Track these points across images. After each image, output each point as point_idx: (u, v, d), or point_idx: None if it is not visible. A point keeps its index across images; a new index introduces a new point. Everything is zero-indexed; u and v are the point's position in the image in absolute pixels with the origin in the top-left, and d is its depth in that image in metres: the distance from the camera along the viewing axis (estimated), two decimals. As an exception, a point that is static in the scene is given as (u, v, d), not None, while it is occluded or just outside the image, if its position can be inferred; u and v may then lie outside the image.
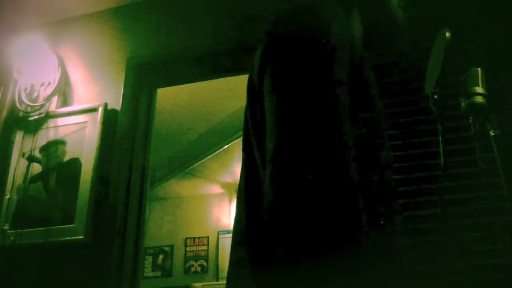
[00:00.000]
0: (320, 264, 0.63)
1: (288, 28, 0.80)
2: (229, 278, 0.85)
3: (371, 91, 0.82)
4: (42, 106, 2.40)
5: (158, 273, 5.81)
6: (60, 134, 2.31)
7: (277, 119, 0.72)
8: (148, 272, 5.80)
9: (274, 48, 0.80)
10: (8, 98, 2.49)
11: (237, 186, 0.93)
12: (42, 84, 2.45)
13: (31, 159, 2.28)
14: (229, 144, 4.40)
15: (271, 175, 0.69)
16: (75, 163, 2.21)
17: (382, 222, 0.77)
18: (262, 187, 0.74)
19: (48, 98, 2.40)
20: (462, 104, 1.40)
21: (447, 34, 1.33)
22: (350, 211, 0.66)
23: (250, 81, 0.90)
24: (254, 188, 0.79)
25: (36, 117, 2.37)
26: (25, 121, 2.39)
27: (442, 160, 1.37)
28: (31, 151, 2.30)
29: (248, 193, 0.85)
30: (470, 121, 1.40)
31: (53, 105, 2.40)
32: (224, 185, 5.93)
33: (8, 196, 2.23)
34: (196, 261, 5.78)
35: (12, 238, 2.12)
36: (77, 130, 2.29)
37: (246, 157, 0.90)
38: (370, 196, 0.75)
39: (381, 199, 0.79)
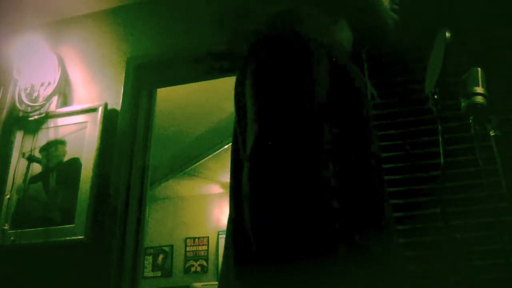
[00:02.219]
0: (297, 266, 0.63)
1: (268, 33, 0.82)
2: (220, 278, 0.86)
3: (358, 91, 0.83)
4: (42, 106, 2.40)
5: (158, 273, 5.81)
6: (60, 134, 2.31)
7: (256, 118, 0.73)
8: (148, 272, 5.80)
9: (255, 51, 0.82)
10: (8, 98, 2.49)
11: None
12: (42, 84, 2.45)
13: (31, 159, 2.28)
14: (229, 144, 4.38)
15: (248, 173, 0.69)
16: (75, 163, 2.21)
17: (369, 224, 0.76)
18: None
19: (48, 98, 2.40)
20: (462, 104, 1.40)
21: (447, 34, 1.33)
22: (323, 214, 0.66)
23: (236, 85, 0.92)
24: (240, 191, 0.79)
25: (36, 117, 2.37)
26: (25, 121, 2.38)
27: (442, 160, 1.37)
28: (31, 151, 2.30)
29: (235, 196, 0.86)
30: (470, 121, 1.40)
31: (53, 105, 2.40)
32: (224, 185, 5.93)
33: (8, 196, 2.23)
34: (196, 261, 5.78)
35: (12, 238, 2.12)
36: (77, 130, 2.29)
37: (234, 160, 0.91)
38: (353, 198, 0.75)
39: (366, 201, 0.78)
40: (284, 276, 0.63)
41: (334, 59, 0.79)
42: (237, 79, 0.91)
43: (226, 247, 0.84)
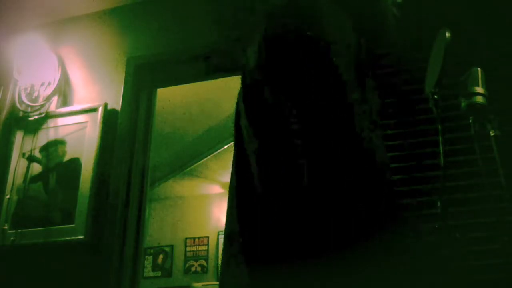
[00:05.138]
0: (322, 261, 0.64)
1: (284, 28, 0.80)
2: (223, 277, 0.86)
3: (367, 90, 0.83)
4: (42, 106, 2.40)
5: (158, 273, 5.81)
6: (60, 134, 2.31)
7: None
8: (148, 272, 5.80)
9: (273, 51, 0.80)
10: (8, 98, 2.49)
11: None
12: (42, 84, 2.45)
13: (31, 159, 2.29)
14: (229, 144, 4.39)
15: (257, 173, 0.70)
16: (75, 163, 2.21)
17: (386, 220, 0.78)
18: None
19: (48, 98, 2.40)
20: (462, 104, 1.40)
21: (447, 34, 1.33)
22: (349, 211, 0.67)
23: (244, 76, 0.90)
24: (247, 188, 0.79)
25: (36, 117, 2.37)
26: (25, 121, 2.39)
27: (442, 160, 1.37)
28: (31, 151, 2.30)
29: (241, 193, 0.86)
30: (470, 121, 1.40)
31: (53, 105, 2.40)
32: (224, 185, 5.92)
33: (8, 196, 2.23)
34: (196, 261, 5.78)
35: (12, 238, 2.12)
36: (77, 130, 2.29)
37: (238, 157, 0.91)
38: (371, 196, 0.76)
39: (383, 199, 0.80)
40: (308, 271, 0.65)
41: (351, 54, 0.79)
42: (246, 71, 0.89)
43: (231, 243, 0.84)
